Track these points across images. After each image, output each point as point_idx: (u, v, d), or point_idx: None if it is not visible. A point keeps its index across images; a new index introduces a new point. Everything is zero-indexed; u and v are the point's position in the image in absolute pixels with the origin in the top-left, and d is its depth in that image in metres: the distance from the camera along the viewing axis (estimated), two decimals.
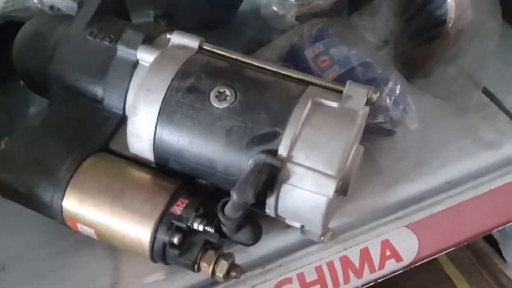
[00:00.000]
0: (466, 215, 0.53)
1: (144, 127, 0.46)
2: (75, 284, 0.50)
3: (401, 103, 0.52)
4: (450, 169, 0.55)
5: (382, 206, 0.53)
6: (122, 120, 0.52)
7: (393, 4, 0.63)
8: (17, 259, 0.52)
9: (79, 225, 0.47)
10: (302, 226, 0.48)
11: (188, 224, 0.44)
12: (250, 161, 0.43)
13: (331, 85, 0.47)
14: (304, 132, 0.43)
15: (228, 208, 0.43)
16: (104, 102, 0.52)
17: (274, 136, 0.43)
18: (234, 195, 0.41)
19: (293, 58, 0.53)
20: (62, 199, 0.46)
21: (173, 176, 0.48)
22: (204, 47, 0.50)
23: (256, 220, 0.47)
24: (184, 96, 0.46)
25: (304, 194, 0.42)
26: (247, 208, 0.43)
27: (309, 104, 0.44)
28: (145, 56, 0.50)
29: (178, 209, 0.45)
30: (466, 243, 0.53)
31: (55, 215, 0.48)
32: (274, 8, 0.56)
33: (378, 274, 0.51)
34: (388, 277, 0.52)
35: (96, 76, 0.52)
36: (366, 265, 0.51)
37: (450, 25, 0.56)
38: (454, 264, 0.89)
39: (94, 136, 0.51)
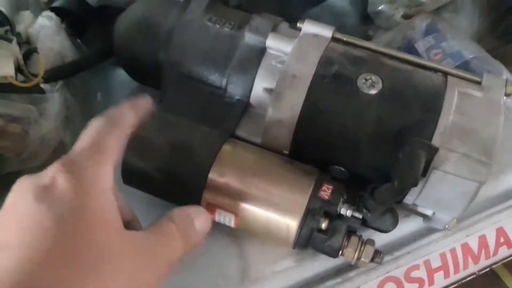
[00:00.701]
0: None
1: (288, 113, 0.47)
2: (205, 270, 0.49)
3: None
4: None
5: (492, 194, 0.55)
6: (246, 107, 0.52)
7: (478, 2, 0.66)
8: None
9: (218, 211, 0.47)
10: (433, 214, 0.49)
11: (337, 209, 0.45)
12: (405, 147, 0.44)
13: (467, 76, 0.48)
14: (456, 119, 0.44)
15: (382, 194, 0.43)
16: (228, 89, 0.52)
17: (428, 123, 0.45)
18: (396, 181, 0.41)
19: (405, 50, 0.54)
20: (204, 185, 0.46)
21: (306, 163, 0.49)
22: (336, 36, 0.50)
23: (393, 207, 0.47)
24: (331, 83, 0.46)
25: (456, 180, 0.43)
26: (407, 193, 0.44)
27: (456, 92, 0.46)
28: (276, 44, 0.50)
29: (325, 194, 0.45)
30: None
31: (192, 203, 0.47)
32: (383, 7, 0.57)
33: (491, 260, 0.53)
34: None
35: (219, 62, 0.52)
36: (483, 251, 0.53)
37: None
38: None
39: (223, 123, 0.50)
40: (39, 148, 0.51)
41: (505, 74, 0.54)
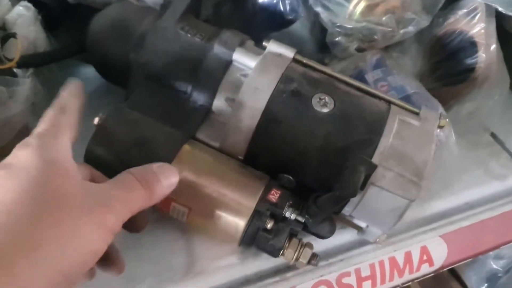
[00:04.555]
0: (485, 231, 0.63)
1: (246, 121, 0.51)
2: (153, 261, 0.52)
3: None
4: (469, 193, 0.65)
5: (420, 217, 0.61)
6: (208, 113, 0.56)
7: (421, 47, 0.73)
8: None
9: (173, 204, 0.50)
10: (367, 226, 0.55)
11: (283, 212, 0.49)
12: (348, 162, 0.49)
13: (407, 106, 0.54)
14: (395, 142, 0.50)
15: (324, 202, 0.48)
16: (192, 94, 0.55)
17: (369, 143, 0.50)
18: (338, 190, 0.46)
19: (357, 79, 0.60)
20: None
21: (257, 169, 0.53)
22: (297, 57, 0.55)
23: (332, 216, 0.52)
24: (289, 98, 0.51)
25: (389, 196, 0.49)
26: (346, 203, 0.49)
27: (397, 119, 0.52)
28: (241, 58, 0.55)
29: (273, 197, 0.50)
30: (483, 254, 0.63)
31: None
32: (339, 39, 0.63)
33: (414, 275, 0.59)
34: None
35: (186, 69, 0.55)
36: (407, 266, 0.58)
37: (479, 72, 0.66)
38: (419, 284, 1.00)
39: (185, 124, 0.54)
40: (4, 129, 0.53)
41: (440, 110, 0.61)
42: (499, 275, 1.02)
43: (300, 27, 0.73)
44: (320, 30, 0.70)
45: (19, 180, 0.35)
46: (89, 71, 0.65)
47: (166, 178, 0.43)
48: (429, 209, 0.62)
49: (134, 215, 0.41)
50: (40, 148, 0.37)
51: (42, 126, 0.40)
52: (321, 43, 0.72)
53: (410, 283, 0.59)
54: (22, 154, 0.37)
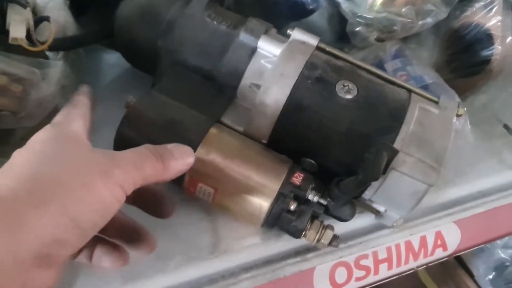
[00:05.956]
0: (497, 218, 0.65)
1: (272, 106, 0.52)
2: (180, 240, 0.54)
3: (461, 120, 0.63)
4: (483, 181, 0.67)
5: (435, 203, 0.63)
6: (233, 98, 0.57)
7: (438, 39, 0.75)
8: None
9: (199, 185, 0.51)
10: (385, 211, 0.56)
11: (306, 194, 0.51)
12: (371, 147, 0.50)
13: (427, 95, 0.56)
14: (416, 129, 0.52)
15: (347, 185, 0.50)
16: (218, 80, 0.57)
17: (392, 129, 0.52)
18: (361, 174, 0.48)
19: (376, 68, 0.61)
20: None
21: (280, 153, 0.55)
22: (320, 45, 0.57)
23: (353, 200, 0.54)
24: (314, 84, 0.53)
25: (409, 181, 0.50)
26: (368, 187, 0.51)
27: (418, 107, 0.53)
28: (267, 46, 0.56)
29: (296, 180, 0.51)
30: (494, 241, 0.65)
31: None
32: (360, 29, 0.65)
33: (428, 259, 0.61)
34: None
35: (213, 56, 0.57)
36: (422, 250, 0.60)
37: (494, 64, 0.68)
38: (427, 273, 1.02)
39: (211, 109, 0.55)
40: (36, 109, 0.54)
41: (457, 99, 0.63)
42: (507, 264, 1.04)
43: (318, 17, 0.75)
44: (338, 20, 0.72)
45: (32, 148, 0.40)
46: (115, 56, 0.67)
47: (181, 156, 0.45)
48: (444, 196, 0.64)
49: (159, 199, 0.48)
50: (53, 127, 0.43)
51: (57, 118, 0.45)
52: (339, 33, 0.74)
53: (419, 268, 0.61)
54: (38, 134, 0.41)
